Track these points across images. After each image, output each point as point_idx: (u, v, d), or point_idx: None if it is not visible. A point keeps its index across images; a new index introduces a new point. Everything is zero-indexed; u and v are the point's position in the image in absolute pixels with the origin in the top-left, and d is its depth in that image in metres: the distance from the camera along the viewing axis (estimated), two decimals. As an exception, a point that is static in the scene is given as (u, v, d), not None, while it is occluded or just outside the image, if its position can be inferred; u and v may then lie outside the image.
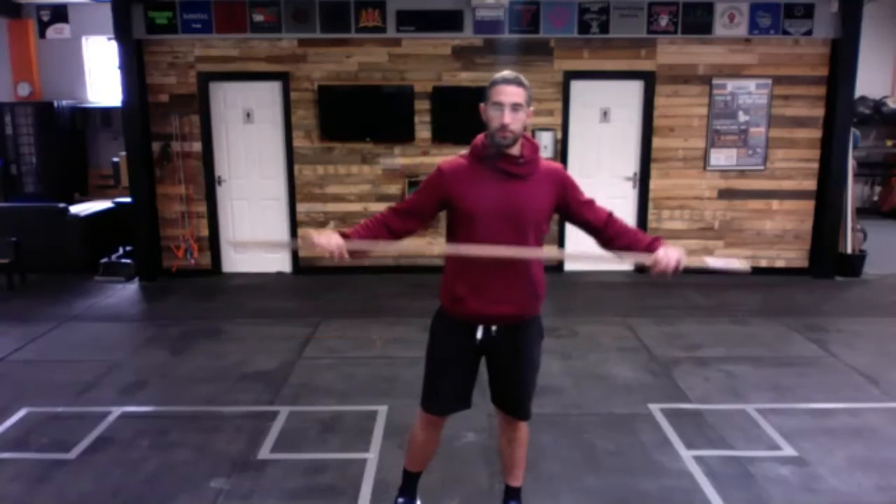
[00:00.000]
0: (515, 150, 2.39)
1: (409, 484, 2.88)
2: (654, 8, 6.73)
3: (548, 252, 2.43)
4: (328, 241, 2.35)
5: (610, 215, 2.50)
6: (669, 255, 2.34)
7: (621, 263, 7.22)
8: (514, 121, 2.33)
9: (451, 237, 2.48)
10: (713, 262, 2.53)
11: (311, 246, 2.37)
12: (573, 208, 2.49)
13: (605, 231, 2.49)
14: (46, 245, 7.16)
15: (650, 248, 2.41)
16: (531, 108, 2.42)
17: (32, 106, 9.47)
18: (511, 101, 2.32)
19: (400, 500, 2.87)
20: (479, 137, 2.45)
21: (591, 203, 2.51)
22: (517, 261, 2.40)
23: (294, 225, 7.21)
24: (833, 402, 4.10)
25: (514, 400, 2.65)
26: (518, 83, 2.35)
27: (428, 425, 2.70)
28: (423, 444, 2.76)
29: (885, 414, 3.96)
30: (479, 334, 2.48)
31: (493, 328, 2.48)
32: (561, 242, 7.19)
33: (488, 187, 2.38)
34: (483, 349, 2.54)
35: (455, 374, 2.58)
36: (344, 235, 2.40)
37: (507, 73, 2.40)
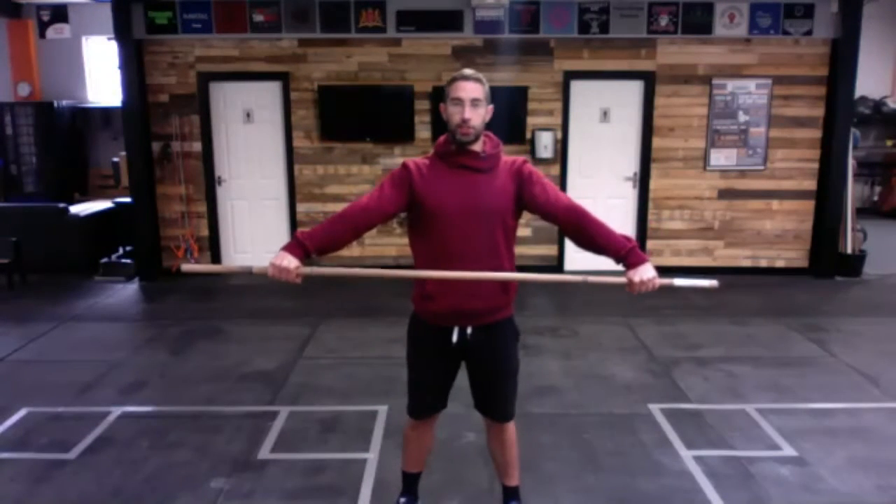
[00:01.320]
0: (477, 147, 2.41)
1: (410, 485, 2.89)
2: (654, 8, 6.73)
3: (511, 275, 2.45)
4: (280, 266, 2.23)
5: (572, 206, 2.42)
6: (643, 277, 2.36)
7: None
8: (475, 116, 2.34)
9: (417, 236, 2.47)
10: (680, 281, 2.50)
11: (267, 275, 2.27)
12: (531, 198, 2.42)
13: (567, 220, 2.42)
14: (46, 245, 7.16)
15: (621, 252, 2.39)
16: (490, 106, 2.42)
17: (32, 106, 9.47)
18: (470, 96, 2.33)
19: (402, 500, 2.88)
20: (442, 137, 2.47)
21: (553, 193, 2.44)
22: (485, 256, 2.39)
23: (294, 225, 7.21)
24: (833, 402, 4.10)
25: (495, 403, 2.65)
26: (476, 80, 2.37)
27: (416, 426, 2.74)
28: (415, 444, 2.80)
29: (885, 414, 3.96)
30: (455, 337, 2.47)
31: (469, 330, 2.47)
32: (561, 242, 7.20)
33: (452, 184, 2.38)
34: (460, 353, 2.53)
35: (433, 377, 2.60)
36: (301, 244, 2.27)
37: (465, 70, 2.42)
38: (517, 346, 2.64)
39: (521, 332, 2.66)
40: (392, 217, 2.45)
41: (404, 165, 2.45)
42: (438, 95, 6.82)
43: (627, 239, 2.41)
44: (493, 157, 2.43)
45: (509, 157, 2.50)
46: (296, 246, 2.27)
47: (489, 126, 2.45)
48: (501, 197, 2.40)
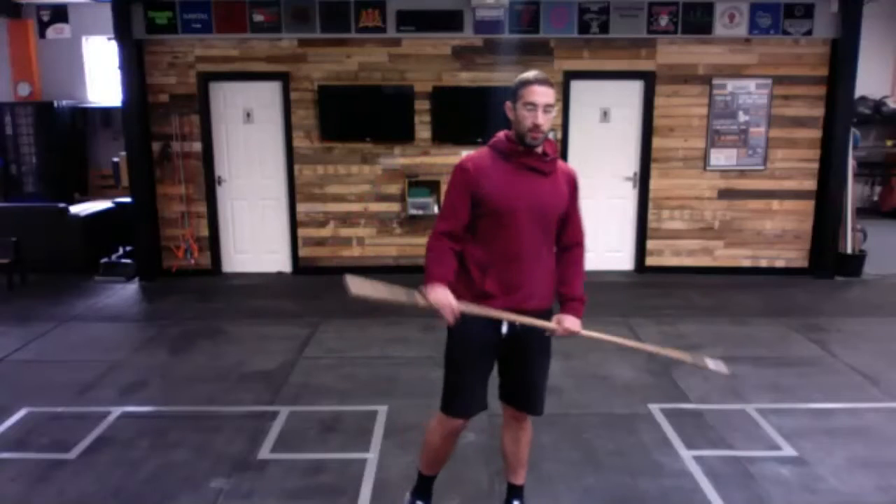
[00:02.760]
0: (540, 148, 2.45)
1: (427, 488, 2.85)
2: (654, 8, 6.73)
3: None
4: (443, 302, 2.36)
5: (578, 243, 2.60)
6: (571, 326, 2.47)
7: (621, 263, 7.26)
8: (546, 121, 2.37)
9: (476, 235, 2.48)
10: (651, 347, 2.79)
11: (427, 305, 2.36)
12: (566, 213, 2.55)
13: (566, 245, 2.59)
14: (46, 245, 7.17)
15: (574, 295, 2.54)
16: (555, 110, 2.46)
17: (32, 106, 9.47)
18: (544, 101, 2.36)
19: (418, 503, 2.86)
20: (502, 134, 2.48)
21: (578, 219, 2.59)
22: (543, 255, 2.49)
23: (294, 225, 7.21)
24: (833, 402, 4.10)
25: (533, 394, 2.66)
26: (549, 84, 2.39)
27: (449, 431, 2.65)
28: (442, 447, 2.72)
29: (885, 414, 3.96)
30: (505, 329, 2.49)
31: (518, 322, 2.48)
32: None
33: (519, 184, 2.42)
34: (504, 346, 2.55)
35: (477, 372, 2.58)
36: (443, 284, 2.39)
37: (537, 73, 2.42)
38: (550, 352, 2.69)
39: None
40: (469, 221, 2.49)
41: (462, 168, 2.46)
42: (438, 95, 6.85)
43: (580, 294, 2.56)
44: (555, 160, 2.50)
45: (565, 164, 2.61)
46: (441, 287, 2.38)
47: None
48: (560, 200, 2.50)
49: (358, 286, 2.30)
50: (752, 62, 6.88)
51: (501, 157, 2.45)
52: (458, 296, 2.47)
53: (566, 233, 2.57)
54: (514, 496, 2.85)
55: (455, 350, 2.59)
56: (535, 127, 2.35)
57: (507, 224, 2.41)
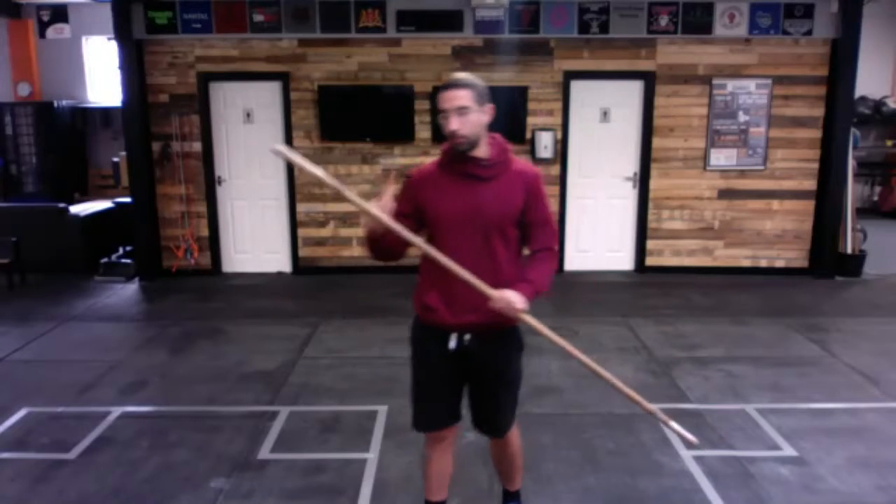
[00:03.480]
0: (481, 152, 2.33)
1: None
2: (654, 8, 6.73)
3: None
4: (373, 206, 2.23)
5: (547, 248, 2.42)
6: (509, 298, 2.25)
7: (621, 263, 7.26)
8: (463, 125, 2.24)
9: (428, 238, 2.42)
10: (663, 416, 2.54)
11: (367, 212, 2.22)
12: (525, 214, 2.38)
13: (532, 249, 2.44)
14: (46, 245, 7.17)
15: (524, 277, 2.35)
16: (489, 106, 2.31)
17: (32, 106, 9.47)
18: (455, 105, 2.24)
19: None
20: (445, 143, 2.38)
21: (544, 222, 2.41)
22: (483, 266, 2.30)
23: (294, 225, 7.21)
24: (833, 402, 4.10)
25: (486, 414, 2.53)
26: (460, 86, 2.26)
27: (430, 444, 2.60)
28: (430, 467, 2.63)
29: (885, 414, 3.96)
30: (453, 343, 2.38)
31: (467, 337, 2.39)
32: (561, 242, 7.19)
33: (451, 192, 2.33)
34: (459, 359, 2.42)
35: (429, 386, 2.49)
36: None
37: (452, 76, 2.32)
38: (520, 357, 2.53)
39: (522, 332, 2.59)
40: (415, 226, 2.37)
41: (407, 179, 2.44)
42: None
43: (534, 279, 2.35)
44: (499, 163, 2.34)
45: (526, 164, 2.44)
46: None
47: (492, 126, 2.37)
48: (503, 205, 2.32)
49: (284, 150, 2.20)
50: (752, 62, 6.88)
51: (442, 167, 2.38)
52: (413, 305, 2.48)
53: (532, 239, 2.41)
54: (510, 500, 2.84)
55: (412, 358, 2.55)
56: (452, 134, 2.25)
57: (445, 234, 2.33)
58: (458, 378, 2.49)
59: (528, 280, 2.34)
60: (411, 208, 2.38)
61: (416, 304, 2.49)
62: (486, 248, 2.34)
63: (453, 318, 2.36)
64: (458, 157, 2.32)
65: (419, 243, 2.27)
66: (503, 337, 2.44)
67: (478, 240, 2.32)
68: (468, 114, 2.25)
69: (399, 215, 2.32)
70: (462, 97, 2.24)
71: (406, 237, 2.24)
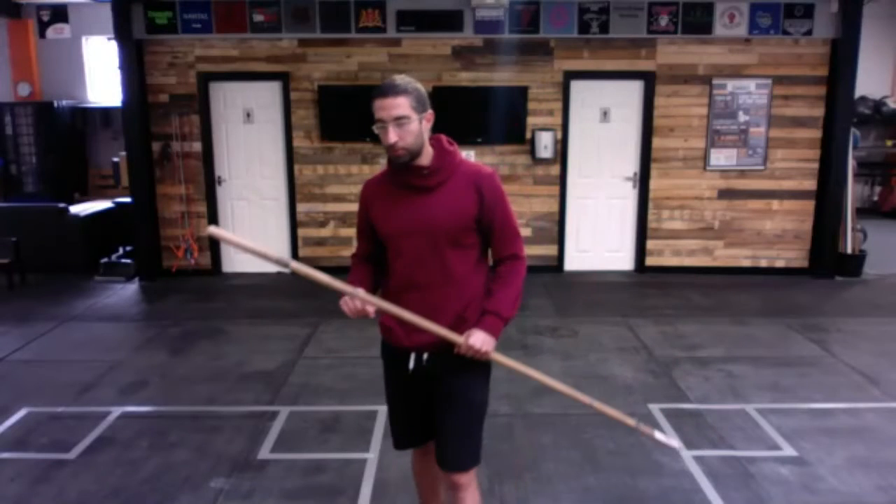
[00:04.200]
0: (423, 160, 2.12)
1: None
2: (654, 8, 6.73)
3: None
4: (353, 304, 2.10)
5: (513, 255, 2.21)
6: (476, 342, 2.08)
7: (621, 263, 7.26)
8: (402, 136, 2.03)
9: (383, 254, 2.27)
10: (646, 428, 2.37)
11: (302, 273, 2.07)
12: (480, 218, 2.15)
13: (494, 265, 2.25)
14: (46, 245, 7.17)
15: (486, 308, 2.16)
16: (428, 112, 2.09)
17: (32, 106, 9.47)
18: (392, 115, 2.01)
19: None
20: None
21: (505, 227, 2.19)
22: (437, 281, 2.14)
23: (294, 225, 7.21)
24: (833, 402, 4.10)
25: (444, 445, 2.25)
26: (398, 92, 2.02)
27: (414, 457, 2.54)
28: (418, 479, 2.59)
29: (885, 414, 3.96)
30: (411, 363, 2.21)
31: (425, 356, 2.20)
32: (561, 242, 7.20)
33: (398, 205, 2.15)
34: (422, 380, 2.25)
35: (403, 405, 2.37)
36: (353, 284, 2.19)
37: (387, 81, 2.07)
38: (485, 383, 2.29)
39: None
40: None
41: (362, 191, 2.28)
42: (438, 95, 6.83)
43: (501, 309, 2.16)
44: (440, 170, 2.13)
45: (475, 165, 2.21)
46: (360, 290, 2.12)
47: (444, 128, 2.24)
48: (453, 214, 2.11)
49: (217, 231, 2.02)
50: (752, 62, 6.88)
51: (389, 178, 2.19)
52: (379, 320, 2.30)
53: (494, 246, 2.22)
54: None
55: (384, 379, 2.43)
56: (391, 147, 2.04)
57: (395, 250, 2.18)
58: (426, 398, 2.30)
59: (493, 311, 2.15)
60: (367, 224, 2.25)
61: (380, 326, 2.33)
62: (440, 265, 2.14)
63: (408, 337, 2.19)
64: (397, 169, 2.13)
65: (381, 305, 2.12)
66: (465, 357, 2.15)
67: (431, 256, 2.14)
68: (407, 124, 2.03)
69: (360, 232, 2.28)
70: (400, 105, 2.02)
71: (375, 303, 2.10)
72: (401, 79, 2.06)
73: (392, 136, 2.02)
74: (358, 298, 2.08)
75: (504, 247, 2.21)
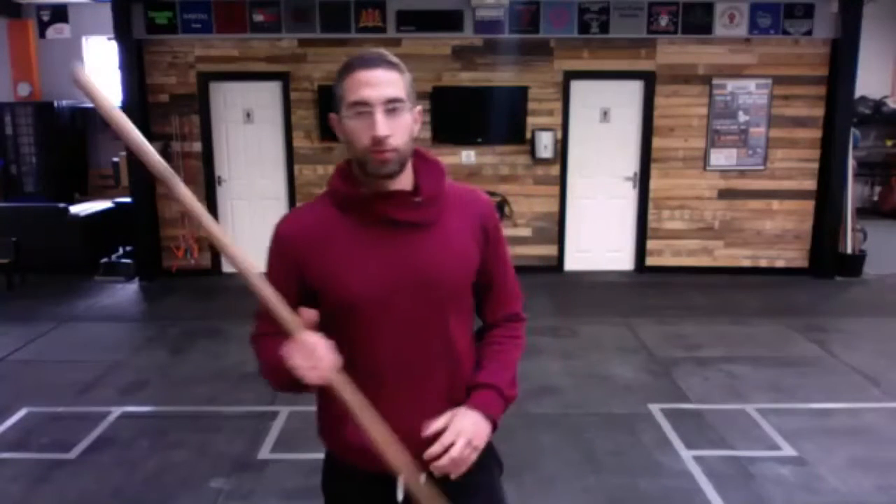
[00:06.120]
0: (405, 182, 1.41)
1: None
2: (654, 8, 6.73)
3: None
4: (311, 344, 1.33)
5: (513, 315, 1.58)
6: (462, 428, 1.35)
7: (621, 263, 7.26)
8: (396, 130, 1.33)
9: (329, 336, 1.35)
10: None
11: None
12: (482, 269, 1.50)
13: (486, 329, 1.57)
14: (46, 245, 7.16)
15: (477, 381, 1.46)
16: (418, 108, 1.43)
17: (32, 106, 9.46)
18: (383, 94, 1.33)
19: None
20: (337, 171, 1.46)
21: (506, 278, 1.56)
22: (437, 365, 1.44)
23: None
24: (833, 402, 4.10)
25: None
26: (389, 64, 1.39)
27: None
28: None
29: (885, 414, 3.96)
30: (401, 494, 1.44)
31: (422, 478, 1.41)
32: (561, 242, 7.19)
33: (367, 251, 1.39)
34: None
35: None
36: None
37: (365, 52, 1.40)
38: (500, 485, 1.60)
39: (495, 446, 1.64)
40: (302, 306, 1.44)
41: (277, 238, 1.46)
42: (439, 95, 6.83)
43: (501, 383, 1.47)
44: (436, 198, 1.42)
45: (470, 190, 1.53)
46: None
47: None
48: (455, 261, 1.43)
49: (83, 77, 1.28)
50: (752, 62, 6.88)
51: (342, 210, 1.42)
52: (320, 434, 1.64)
53: (488, 304, 1.55)
54: None
55: None
56: (378, 142, 1.31)
57: (361, 324, 1.39)
58: None
59: (490, 383, 1.45)
60: (290, 286, 1.42)
61: (325, 436, 1.62)
62: (441, 339, 1.44)
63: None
64: (370, 193, 1.39)
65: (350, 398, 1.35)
66: (474, 468, 1.41)
67: (427, 326, 1.42)
68: (402, 112, 1.35)
69: (269, 310, 1.41)
70: (394, 82, 1.36)
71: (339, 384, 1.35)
72: (387, 53, 1.43)
73: (382, 126, 1.31)
74: (316, 345, 1.30)
75: (503, 304, 1.56)
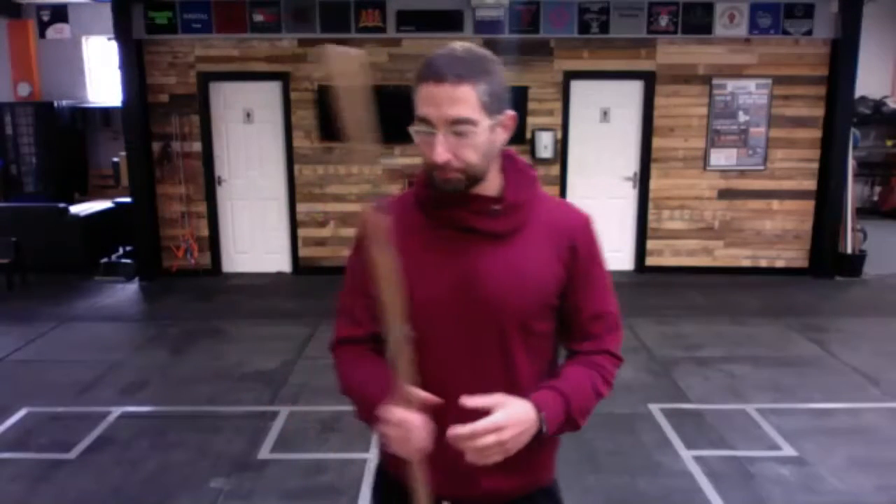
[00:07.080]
0: (489, 188, 1.29)
1: None
2: (654, 8, 6.73)
3: None
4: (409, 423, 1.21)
5: (602, 351, 1.39)
6: (510, 421, 1.19)
7: (621, 263, 7.26)
8: (462, 151, 1.21)
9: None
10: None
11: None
12: (567, 294, 1.35)
13: (578, 349, 1.40)
14: (46, 245, 7.16)
15: (543, 386, 1.32)
16: (509, 114, 1.28)
17: (32, 106, 9.46)
18: (447, 115, 1.19)
19: None
20: (421, 170, 1.34)
21: (600, 311, 1.38)
22: (491, 388, 1.24)
23: (294, 225, 7.21)
24: (833, 402, 4.10)
25: None
26: (459, 76, 1.18)
27: None
28: None
29: (885, 414, 3.96)
30: None
31: None
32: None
33: (435, 256, 1.29)
34: None
35: None
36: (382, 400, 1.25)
37: (442, 52, 1.23)
38: None
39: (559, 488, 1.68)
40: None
41: (379, 210, 1.20)
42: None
43: (571, 394, 1.31)
44: (519, 208, 1.30)
45: (565, 204, 1.41)
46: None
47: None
48: (530, 280, 1.29)
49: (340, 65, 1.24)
50: (752, 62, 6.88)
51: (422, 207, 1.33)
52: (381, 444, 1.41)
53: (575, 334, 1.39)
54: None
55: None
56: (440, 168, 1.22)
57: (421, 337, 1.22)
58: None
59: (557, 388, 1.30)
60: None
61: (384, 461, 1.48)
62: (502, 366, 1.32)
63: (444, 488, 1.31)
64: (441, 198, 1.28)
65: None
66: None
67: (486, 351, 1.31)
68: (471, 134, 1.20)
69: (357, 294, 1.37)
70: (462, 99, 1.18)
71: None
72: (467, 51, 1.22)
73: (441, 152, 1.20)
74: (413, 428, 1.20)
75: (592, 337, 1.38)
